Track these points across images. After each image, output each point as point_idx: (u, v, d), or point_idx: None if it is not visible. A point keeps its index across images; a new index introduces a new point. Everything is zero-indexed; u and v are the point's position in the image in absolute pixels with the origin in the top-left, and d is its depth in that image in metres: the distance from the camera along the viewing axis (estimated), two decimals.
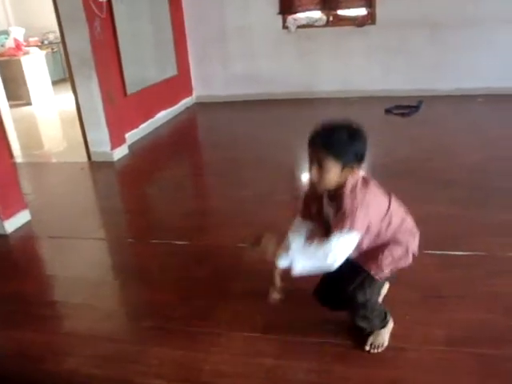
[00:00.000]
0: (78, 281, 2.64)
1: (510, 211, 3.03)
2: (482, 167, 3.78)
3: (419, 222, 2.90)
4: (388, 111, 5.43)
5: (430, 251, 2.60)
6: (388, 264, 1.87)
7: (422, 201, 3.25)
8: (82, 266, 2.83)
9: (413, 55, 5.99)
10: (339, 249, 1.68)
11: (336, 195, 1.75)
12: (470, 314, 2.12)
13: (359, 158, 1.71)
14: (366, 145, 1.71)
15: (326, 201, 1.85)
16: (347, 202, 1.69)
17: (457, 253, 2.60)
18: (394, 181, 3.59)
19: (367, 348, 1.98)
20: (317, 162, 1.68)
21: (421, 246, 2.65)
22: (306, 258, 1.73)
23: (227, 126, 5.71)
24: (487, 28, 5.70)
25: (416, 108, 5.46)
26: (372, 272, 1.86)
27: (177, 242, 2.91)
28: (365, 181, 1.78)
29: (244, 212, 3.27)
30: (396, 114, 5.32)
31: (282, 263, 1.76)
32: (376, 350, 1.98)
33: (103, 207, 3.76)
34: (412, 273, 2.43)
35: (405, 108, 5.43)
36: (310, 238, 1.90)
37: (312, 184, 1.82)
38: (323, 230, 1.89)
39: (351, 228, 1.66)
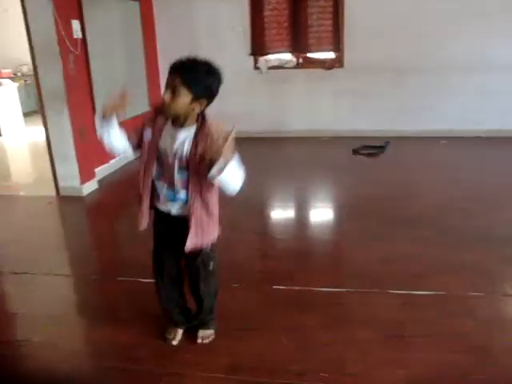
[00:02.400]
0: (41, 319, 2.60)
1: (470, 250, 3.13)
2: (445, 207, 3.91)
3: (382, 261, 3.03)
4: (355, 151, 5.58)
5: (391, 290, 2.68)
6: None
7: (385, 240, 3.36)
8: (45, 304, 2.77)
9: (379, 98, 6.22)
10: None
11: (185, 125, 1.90)
12: (431, 354, 2.17)
13: (210, 93, 1.86)
14: (219, 83, 1.87)
15: (169, 131, 1.94)
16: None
17: (418, 292, 2.66)
18: (358, 220, 3.74)
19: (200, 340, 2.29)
20: (171, 87, 1.80)
21: (383, 286, 2.74)
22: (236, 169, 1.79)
23: None
24: (447, 74, 6.00)
25: (382, 148, 5.63)
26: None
27: (143, 280, 2.89)
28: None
29: None
30: (363, 155, 5.47)
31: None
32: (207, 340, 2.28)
33: (70, 243, 3.72)
34: (374, 312, 2.50)
35: (371, 148, 5.59)
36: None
37: (160, 110, 1.92)
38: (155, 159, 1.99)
39: None
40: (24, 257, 3.35)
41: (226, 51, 6.27)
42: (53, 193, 4.59)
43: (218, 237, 2.14)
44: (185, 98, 1.81)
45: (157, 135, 1.96)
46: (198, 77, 1.81)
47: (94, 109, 4.91)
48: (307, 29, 6.10)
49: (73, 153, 4.45)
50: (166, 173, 1.98)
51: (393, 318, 2.44)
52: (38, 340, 2.41)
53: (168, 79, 1.82)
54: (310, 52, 6.26)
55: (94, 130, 5.14)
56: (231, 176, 1.76)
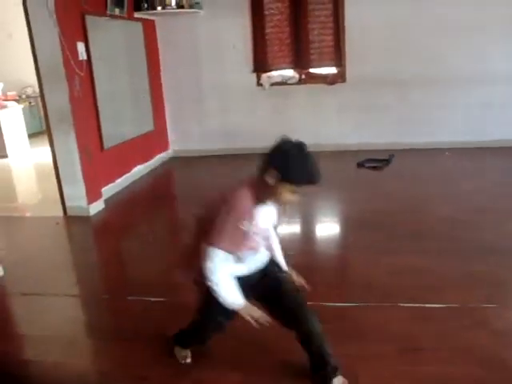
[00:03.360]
0: (51, 339, 2.59)
1: (480, 262, 3.11)
2: (452, 219, 3.90)
3: (392, 274, 3.01)
4: (360, 165, 5.59)
5: (403, 304, 2.66)
6: None
7: (394, 253, 3.34)
8: (55, 324, 2.77)
9: (382, 111, 6.24)
10: None
11: None
12: (445, 367, 2.14)
13: None
14: None
15: (263, 210, 2.07)
16: None
17: (430, 305, 2.64)
18: (366, 233, 3.73)
19: None
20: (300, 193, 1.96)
21: (394, 299, 2.72)
22: None
23: (203, 180, 5.74)
24: (449, 86, 6.03)
25: (387, 161, 5.64)
26: None
27: (153, 299, 2.89)
28: None
29: None
30: (368, 168, 5.48)
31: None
32: None
33: (78, 263, 3.73)
34: (386, 325, 2.48)
35: (376, 161, 5.60)
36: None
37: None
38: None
39: None
40: (33, 278, 3.35)
41: (228, 69, 6.33)
42: (60, 213, 4.60)
43: None
44: None
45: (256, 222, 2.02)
46: None
47: (99, 128, 4.95)
48: (309, 44, 6.15)
49: (79, 173, 4.47)
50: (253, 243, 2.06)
51: (405, 331, 2.42)
52: (48, 361, 2.40)
53: (302, 188, 1.96)
54: (312, 67, 6.30)
55: (99, 149, 5.16)
56: None
